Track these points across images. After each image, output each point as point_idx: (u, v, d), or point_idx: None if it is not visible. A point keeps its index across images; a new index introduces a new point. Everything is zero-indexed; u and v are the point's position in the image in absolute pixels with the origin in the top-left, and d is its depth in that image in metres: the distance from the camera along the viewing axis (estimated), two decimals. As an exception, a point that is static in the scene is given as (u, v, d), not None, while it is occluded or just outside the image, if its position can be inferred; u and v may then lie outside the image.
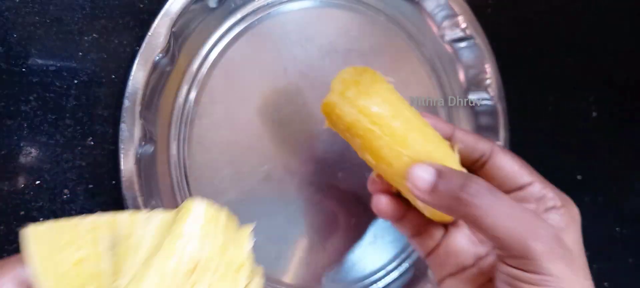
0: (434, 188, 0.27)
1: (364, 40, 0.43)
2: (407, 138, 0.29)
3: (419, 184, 0.27)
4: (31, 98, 0.36)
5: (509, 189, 0.30)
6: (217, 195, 0.39)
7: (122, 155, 0.36)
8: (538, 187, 0.30)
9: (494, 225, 0.25)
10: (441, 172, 0.27)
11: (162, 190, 0.38)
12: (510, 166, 0.30)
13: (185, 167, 0.39)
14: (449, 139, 0.31)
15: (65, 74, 0.37)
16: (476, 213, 0.25)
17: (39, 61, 0.37)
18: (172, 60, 0.38)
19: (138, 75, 0.37)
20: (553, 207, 0.29)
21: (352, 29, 0.43)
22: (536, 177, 0.30)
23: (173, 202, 0.39)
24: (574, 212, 0.30)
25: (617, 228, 0.53)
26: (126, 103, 0.36)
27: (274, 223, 0.41)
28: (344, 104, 0.30)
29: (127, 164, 0.36)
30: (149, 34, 0.37)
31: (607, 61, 0.53)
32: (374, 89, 0.30)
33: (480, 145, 0.31)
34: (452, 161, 0.30)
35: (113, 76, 0.38)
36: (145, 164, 0.37)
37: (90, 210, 0.38)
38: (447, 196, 0.26)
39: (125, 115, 0.36)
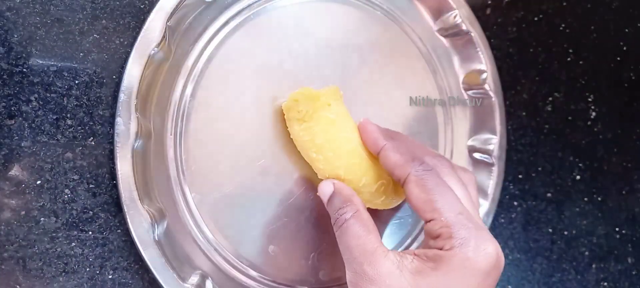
0: (329, 201, 0.34)
1: (360, 35, 0.44)
2: (317, 162, 0.38)
3: (321, 196, 0.35)
4: (32, 98, 0.37)
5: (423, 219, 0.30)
6: (214, 189, 0.39)
7: (118, 149, 0.36)
8: (438, 225, 0.28)
9: (340, 248, 0.32)
10: (335, 191, 0.34)
11: (158, 185, 0.38)
12: (415, 200, 0.30)
13: (181, 162, 0.39)
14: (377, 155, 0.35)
15: (66, 74, 0.37)
16: (336, 234, 0.32)
17: (40, 61, 0.37)
18: (168, 54, 0.38)
19: (133, 69, 0.37)
20: (441, 248, 0.28)
21: (348, 24, 0.44)
22: (443, 213, 0.29)
23: (169, 197, 0.39)
24: (465, 257, 0.27)
25: (616, 228, 0.53)
26: (122, 97, 0.36)
27: (270, 218, 0.41)
28: (288, 120, 0.39)
29: (123, 158, 0.36)
30: (144, 27, 0.37)
31: (607, 61, 0.53)
32: (309, 116, 0.37)
33: (396, 172, 0.32)
34: (358, 181, 0.37)
35: (114, 76, 0.38)
36: (141, 158, 0.37)
37: (92, 210, 0.38)
38: (331, 212, 0.33)
39: (120, 109, 0.36)
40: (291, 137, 0.39)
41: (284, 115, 0.40)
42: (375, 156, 0.40)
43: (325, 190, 0.34)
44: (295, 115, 0.38)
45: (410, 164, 0.31)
